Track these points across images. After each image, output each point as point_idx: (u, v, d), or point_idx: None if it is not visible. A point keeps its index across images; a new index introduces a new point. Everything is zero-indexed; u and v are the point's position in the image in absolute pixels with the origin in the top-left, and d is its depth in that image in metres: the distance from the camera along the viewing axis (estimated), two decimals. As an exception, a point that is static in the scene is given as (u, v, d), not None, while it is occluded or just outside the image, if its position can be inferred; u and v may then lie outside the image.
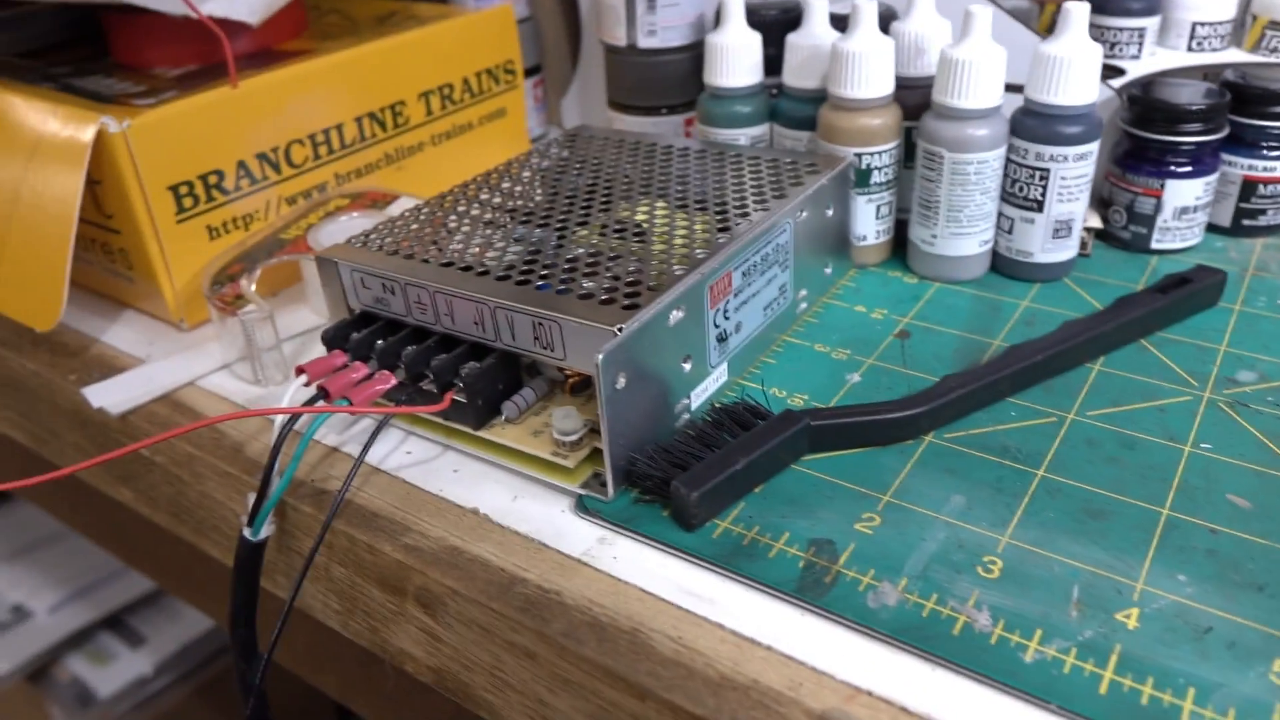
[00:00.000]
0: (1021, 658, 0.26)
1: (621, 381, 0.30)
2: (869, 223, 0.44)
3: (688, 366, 0.34)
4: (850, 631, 0.27)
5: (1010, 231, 0.43)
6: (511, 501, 0.32)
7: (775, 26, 0.47)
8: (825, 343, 0.40)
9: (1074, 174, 0.41)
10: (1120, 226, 0.46)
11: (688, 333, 0.33)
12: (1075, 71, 0.39)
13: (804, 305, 0.41)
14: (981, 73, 0.39)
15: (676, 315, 0.32)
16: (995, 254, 0.44)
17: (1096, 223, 0.46)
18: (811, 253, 0.41)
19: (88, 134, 0.39)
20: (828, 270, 0.43)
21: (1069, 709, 0.25)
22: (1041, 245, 0.42)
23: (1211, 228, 0.47)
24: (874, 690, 0.25)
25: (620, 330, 0.30)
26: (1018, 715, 0.25)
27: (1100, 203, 0.47)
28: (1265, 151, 0.45)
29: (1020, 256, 0.43)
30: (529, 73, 0.62)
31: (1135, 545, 0.29)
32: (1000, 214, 0.43)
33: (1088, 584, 0.28)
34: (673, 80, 0.52)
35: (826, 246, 0.42)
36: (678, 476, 0.30)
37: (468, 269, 0.35)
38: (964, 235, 0.42)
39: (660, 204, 0.40)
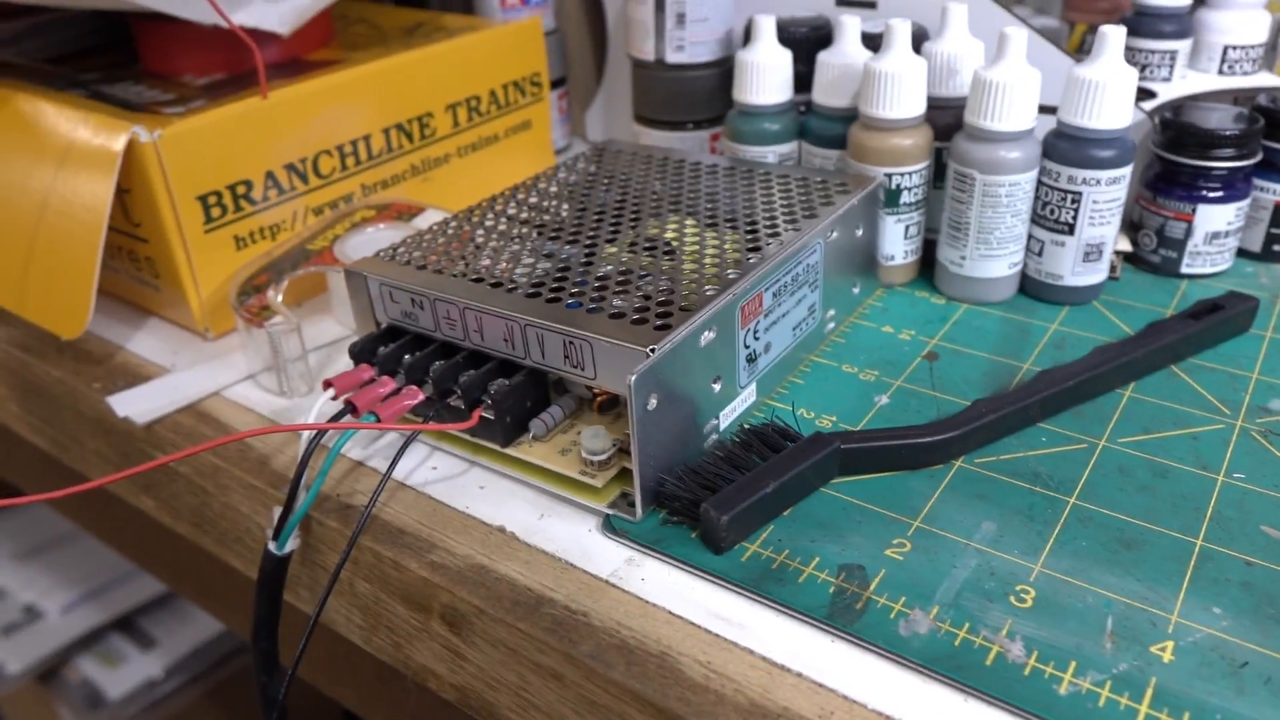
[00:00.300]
0: (1056, 690, 0.26)
1: (653, 402, 0.30)
2: (898, 243, 0.44)
3: (717, 387, 0.34)
4: (882, 659, 0.27)
5: (1040, 254, 0.42)
6: (538, 520, 0.32)
7: (805, 44, 0.47)
8: (853, 363, 0.39)
9: (1106, 198, 0.40)
10: (1150, 250, 0.45)
11: (718, 353, 0.33)
12: (1109, 95, 0.39)
13: (832, 325, 0.41)
14: (1015, 95, 0.39)
15: (708, 336, 0.32)
16: (1024, 276, 0.44)
17: (1126, 246, 0.46)
18: (840, 272, 0.41)
19: (119, 143, 0.39)
20: (855, 290, 0.43)
21: (1105, 745, 0.24)
22: (1072, 268, 0.42)
23: (1242, 253, 0.47)
24: (907, 721, 0.25)
25: (653, 351, 0.30)
26: (1053, 750, 0.24)
27: (1130, 226, 0.47)
28: (1298, 177, 0.45)
29: (1050, 279, 0.43)
30: (554, 85, 0.62)
31: (1169, 576, 0.29)
32: (1030, 236, 0.43)
33: (1122, 615, 0.28)
34: (700, 95, 0.52)
35: (855, 266, 0.42)
36: (707, 499, 0.30)
37: (496, 285, 0.35)
38: (994, 257, 0.42)
39: (690, 221, 0.40)
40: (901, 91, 0.41)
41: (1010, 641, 0.27)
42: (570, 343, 0.32)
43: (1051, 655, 0.27)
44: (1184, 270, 0.45)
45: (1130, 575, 0.29)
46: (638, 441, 0.30)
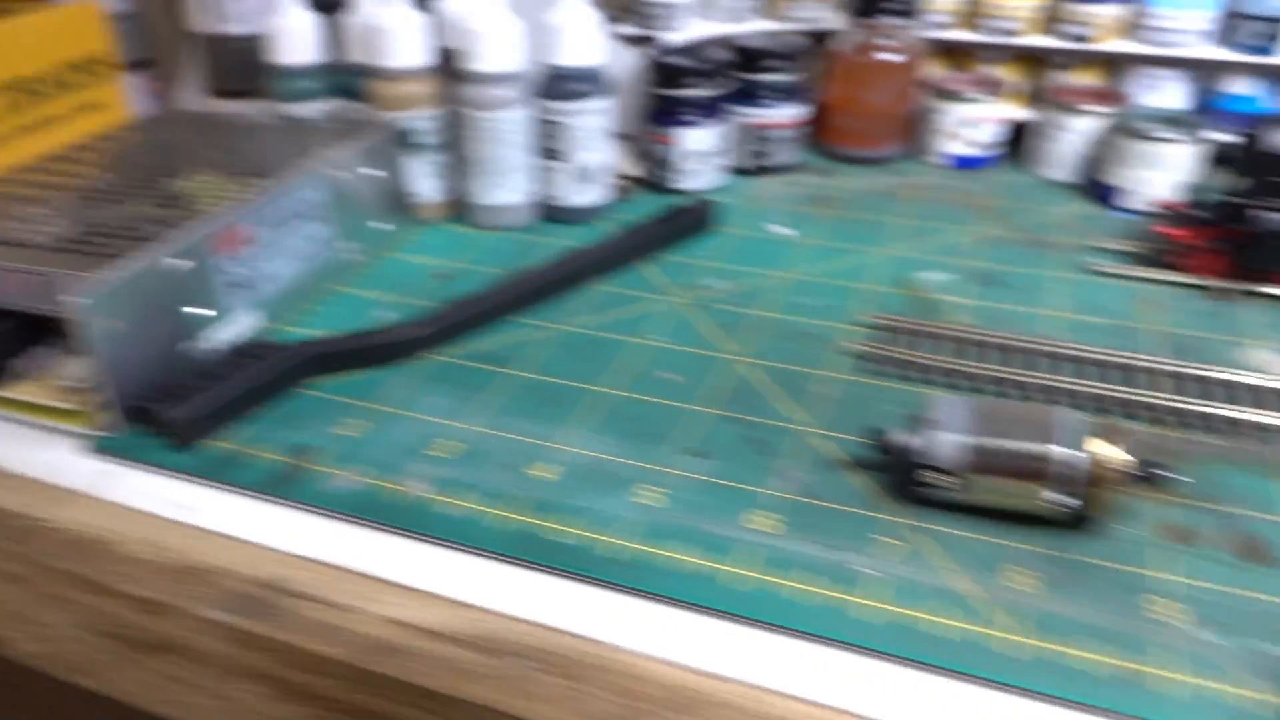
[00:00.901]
0: (453, 515, 0.31)
1: (119, 326, 0.33)
2: (421, 181, 0.49)
3: (201, 311, 0.37)
4: (313, 515, 0.31)
5: (544, 180, 0.49)
6: (26, 451, 0.34)
7: (340, 7, 0.51)
8: (374, 289, 0.44)
9: (587, 126, 0.47)
10: (652, 172, 0.52)
11: (196, 281, 0.36)
12: (571, 37, 0.45)
13: (358, 258, 0.45)
14: (493, 41, 0.45)
15: (178, 263, 0.35)
16: (542, 203, 0.50)
17: (637, 171, 0.53)
18: (362, 209, 0.45)
19: None
20: (387, 226, 0.47)
21: (484, 548, 0.30)
22: (570, 190, 0.48)
23: (740, 171, 0.55)
24: (314, 556, 0.29)
25: (99, 280, 0.33)
26: (444, 560, 0.29)
27: (642, 154, 0.54)
28: (766, 102, 0.53)
29: (555, 201, 0.49)
30: (140, 65, 0.62)
31: (573, 417, 0.35)
32: (535, 166, 0.49)
33: (527, 452, 0.33)
34: (258, 63, 0.54)
35: (382, 204, 0.47)
36: (174, 407, 0.33)
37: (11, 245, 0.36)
38: (502, 187, 0.48)
39: (210, 174, 0.42)
40: (400, 44, 0.46)
41: (428, 486, 0.32)
42: (34, 281, 0.34)
43: (459, 490, 0.32)
44: (678, 186, 0.52)
45: (544, 422, 0.35)
46: (106, 363, 0.33)
